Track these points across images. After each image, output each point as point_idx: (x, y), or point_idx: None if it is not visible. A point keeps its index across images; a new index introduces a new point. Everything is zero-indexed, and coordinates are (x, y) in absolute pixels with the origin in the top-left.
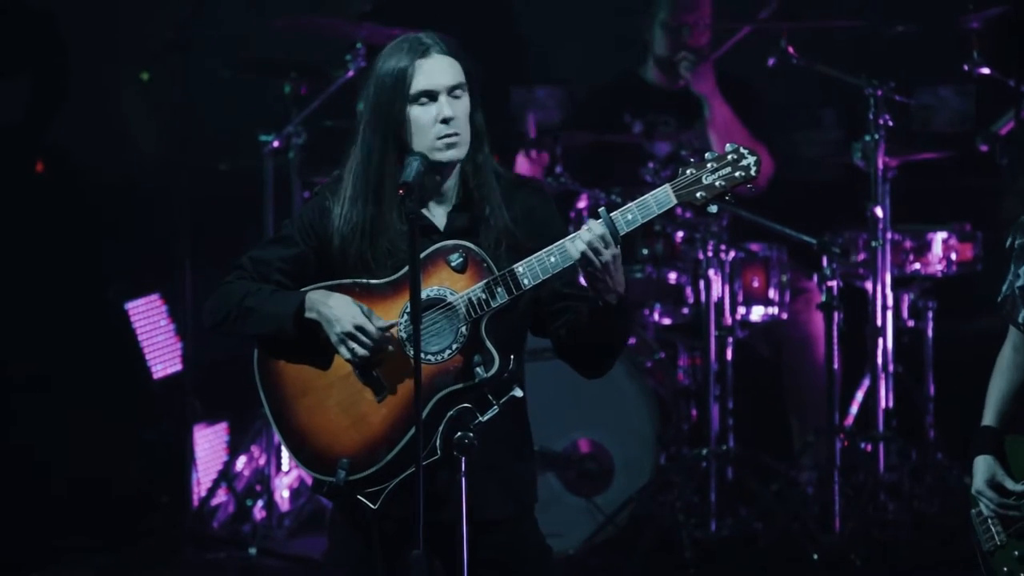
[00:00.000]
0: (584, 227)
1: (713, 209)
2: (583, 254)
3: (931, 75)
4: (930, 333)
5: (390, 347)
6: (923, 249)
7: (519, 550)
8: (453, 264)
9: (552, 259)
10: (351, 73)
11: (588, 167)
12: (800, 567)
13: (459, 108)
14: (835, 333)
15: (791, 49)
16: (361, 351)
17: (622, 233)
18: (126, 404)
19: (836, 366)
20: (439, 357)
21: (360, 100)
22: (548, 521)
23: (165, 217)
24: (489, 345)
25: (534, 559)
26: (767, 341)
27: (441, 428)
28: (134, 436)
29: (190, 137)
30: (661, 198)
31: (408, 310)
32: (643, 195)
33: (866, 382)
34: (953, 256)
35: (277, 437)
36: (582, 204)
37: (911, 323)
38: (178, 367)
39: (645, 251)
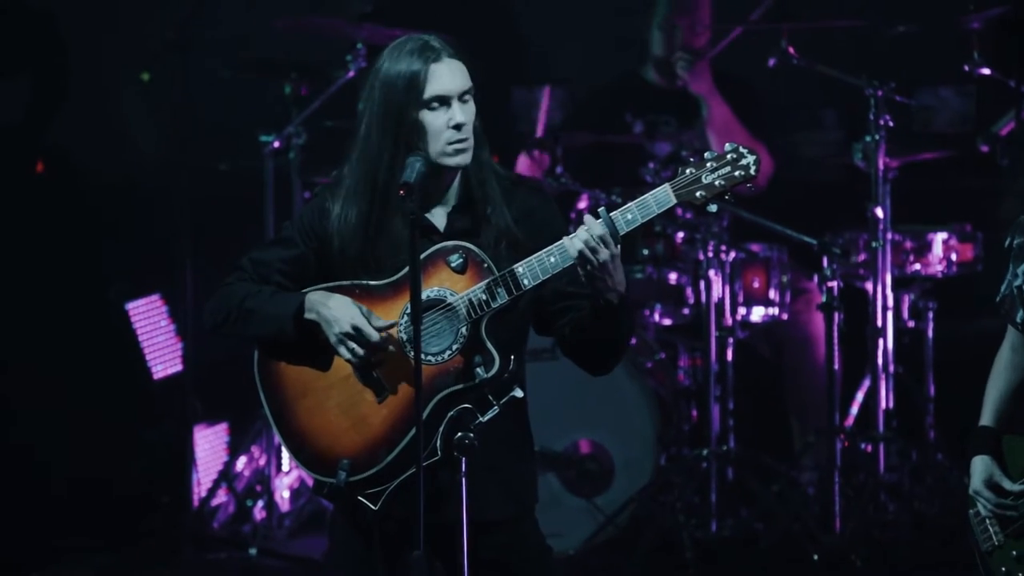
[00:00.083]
0: (583, 227)
1: (713, 209)
2: (581, 253)
3: (932, 75)
4: (930, 334)
5: (390, 347)
6: (923, 250)
7: (520, 550)
8: (453, 265)
9: (552, 259)
10: (352, 73)
11: (588, 167)
12: (801, 567)
13: (469, 113)
14: (835, 334)
15: (792, 49)
16: (360, 351)
17: (622, 233)
18: (127, 404)
19: (836, 367)
20: (439, 358)
21: (361, 101)
22: (548, 521)
23: (165, 217)
24: (489, 346)
25: (535, 559)
26: (768, 342)
27: (441, 429)
28: (134, 436)
29: (190, 137)
30: (661, 198)
31: (408, 311)
32: (643, 195)
33: (866, 383)
34: (953, 257)
35: (277, 438)
36: (583, 204)
37: (911, 324)
38: (178, 367)
39: (646, 251)
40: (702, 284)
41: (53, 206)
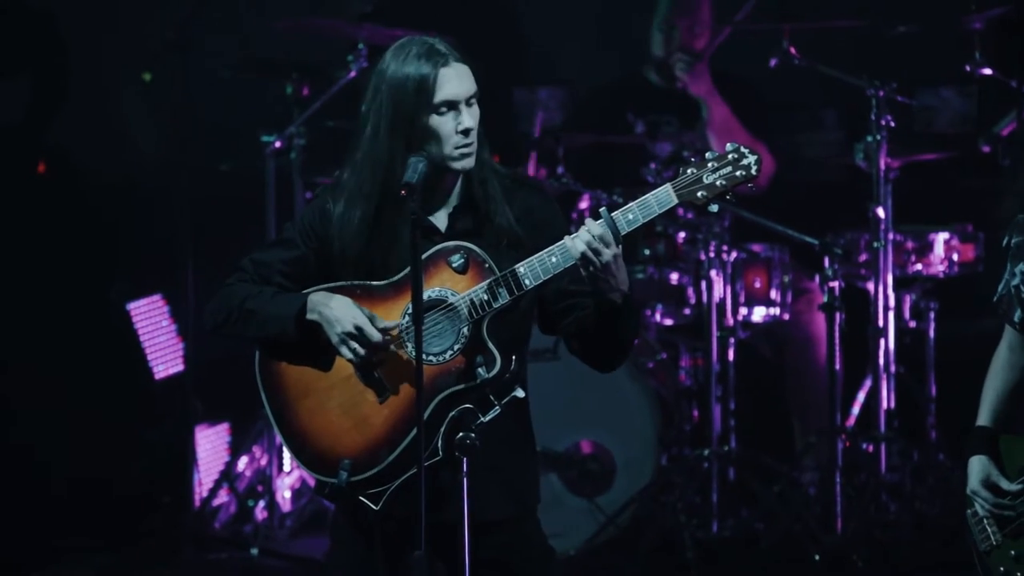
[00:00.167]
0: (584, 227)
1: (714, 209)
2: (583, 254)
3: (933, 76)
4: (932, 334)
5: (391, 348)
6: (925, 250)
7: (521, 551)
8: (454, 265)
9: (554, 259)
10: (353, 74)
11: (590, 167)
12: (802, 568)
13: (476, 117)
14: (837, 334)
15: (793, 50)
16: (362, 351)
17: (623, 233)
18: (128, 404)
19: (838, 367)
20: (441, 358)
21: (365, 102)
22: (550, 521)
23: (166, 218)
24: (491, 346)
25: (536, 559)
26: (769, 342)
27: (443, 429)
28: (136, 436)
29: (191, 138)
30: (662, 197)
31: (410, 311)
32: (644, 195)
33: (868, 383)
34: (955, 257)
35: (279, 438)
36: (584, 205)
37: (913, 324)
38: (180, 367)
39: (647, 252)
40: (703, 284)
41: (54, 206)
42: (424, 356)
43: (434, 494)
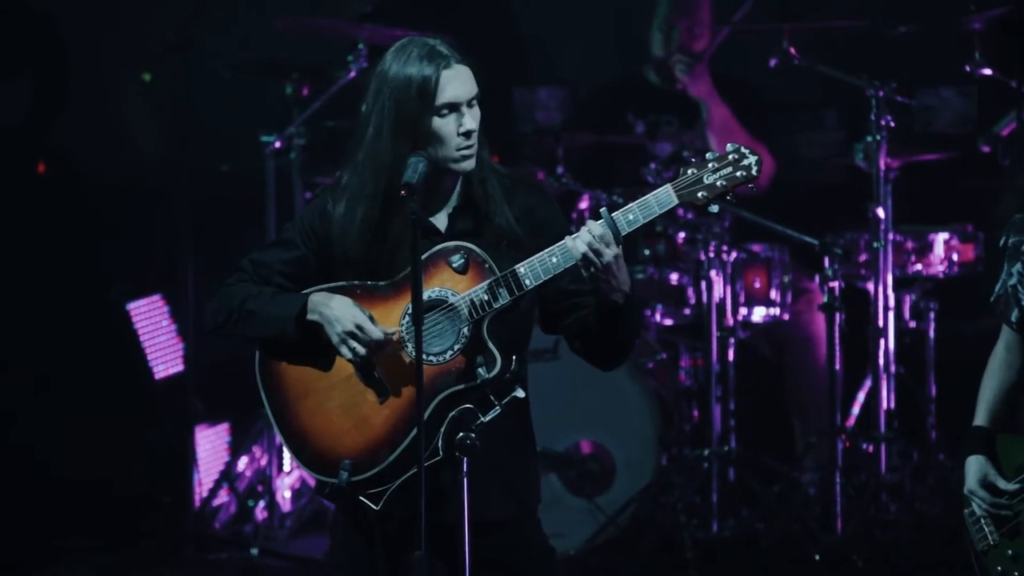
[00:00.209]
0: (585, 227)
1: (714, 209)
2: (584, 254)
3: (933, 76)
4: (932, 334)
5: (391, 348)
6: (925, 250)
7: (522, 551)
8: (455, 265)
9: (554, 259)
10: (353, 74)
11: (590, 167)
12: (802, 568)
13: (477, 119)
14: (837, 334)
15: (793, 50)
16: (362, 351)
17: (623, 233)
18: (128, 404)
19: (838, 367)
20: (441, 358)
21: (366, 102)
22: (550, 522)
23: (166, 218)
24: (491, 346)
25: (537, 560)
26: (769, 342)
27: (443, 429)
28: (136, 436)
29: (191, 138)
30: (663, 198)
31: (410, 311)
32: (644, 195)
33: (868, 383)
34: (955, 257)
35: (279, 438)
36: (584, 205)
37: (913, 324)
38: (180, 367)
39: (647, 252)
40: (703, 284)
41: (54, 206)
42: (424, 356)
43: (434, 494)
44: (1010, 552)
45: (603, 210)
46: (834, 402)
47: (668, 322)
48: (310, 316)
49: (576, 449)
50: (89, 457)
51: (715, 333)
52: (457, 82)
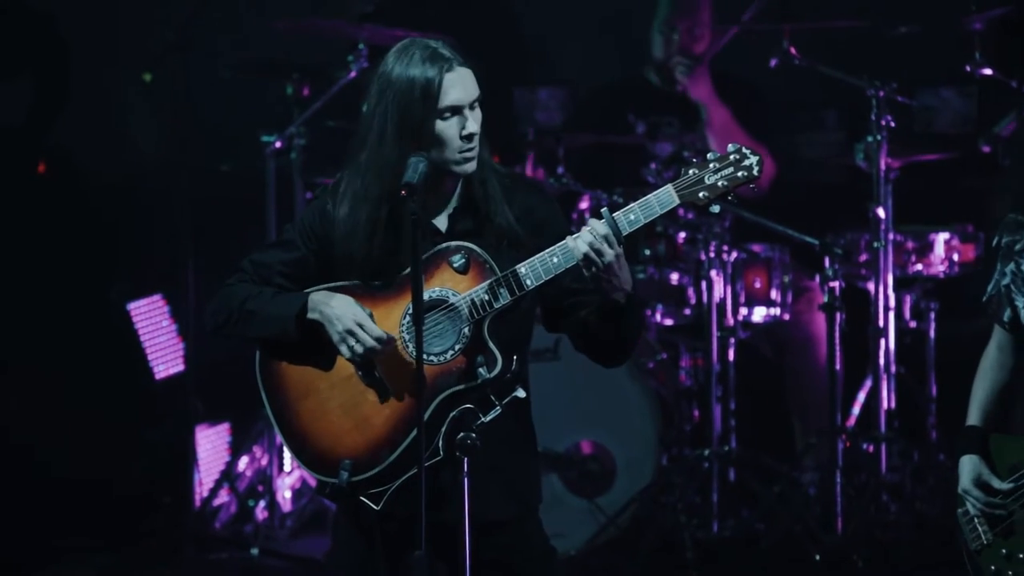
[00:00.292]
0: (586, 227)
1: (715, 209)
2: (585, 255)
3: (933, 76)
4: (932, 334)
5: (392, 346)
6: (925, 250)
7: (523, 551)
8: (455, 265)
9: (555, 260)
10: (353, 74)
11: (590, 168)
12: (802, 568)
13: (479, 122)
14: (837, 334)
15: (793, 50)
16: (362, 350)
17: (625, 233)
18: (128, 404)
19: (838, 367)
20: (442, 358)
21: (367, 103)
22: (550, 522)
23: (167, 218)
24: (492, 346)
25: (538, 560)
26: (769, 342)
27: (444, 429)
28: (136, 436)
29: (191, 138)
30: (664, 198)
31: (411, 311)
32: (645, 195)
33: (868, 383)
34: (955, 257)
35: (279, 438)
36: (584, 205)
37: (913, 324)
38: (180, 367)
39: (647, 252)
40: (704, 284)
41: (55, 207)
42: (425, 356)
43: (435, 494)
44: (1004, 551)
45: (604, 210)
46: (834, 402)
47: (668, 322)
48: (310, 315)
49: (577, 449)
50: (89, 457)
51: (715, 333)
52: (460, 85)
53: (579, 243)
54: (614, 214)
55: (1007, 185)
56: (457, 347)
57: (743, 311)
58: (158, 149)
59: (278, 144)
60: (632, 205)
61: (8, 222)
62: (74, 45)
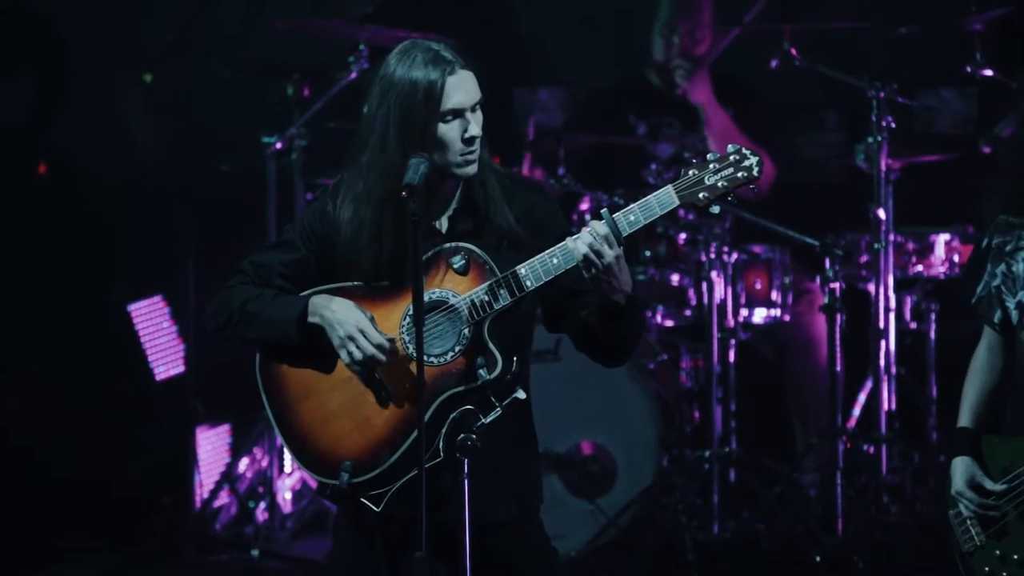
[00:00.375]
0: (586, 228)
1: (715, 210)
2: (585, 256)
3: (933, 77)
4: (932, 335)
5: (392, 350)
6: (926, 251)
7: (524, 551)
8: (455, 266)
9: (555, 260)
10: (354, 75)
11: (591, 169)
12: (802, 569)
13: (480, 124)
14: (838, 335)
15: (793, 51)
16: (361, 356)
17: (625, 234)
18: (129, 405)
19: (839, 368)
20: (442, 359)
21: (368, 104)
22: (551, 523)
23: (167, 219)
24: (492, 347)
25: (539, 560)
26: (770, 343)
27: (444, 430)
28: (136, 437)
29: (191, 138)
30: (664, 199)
31: (411, 312)
32: (645, 196)
33: (868, 384)
34: (956, 258)
35: (280, 439)
36: (584, 206)
37: (913, 325)
38: (181, 369)
39: (648, 253)
40: (704, 285)
41: (55, 207)
42: (425, 357)
43: (435, 495)
44: (998, 552)
45: (604, 211)
46: (835, 403)
47: (669, 323)
48: (311, 319)
49: (577, 450)
50: (89, 457)
51: (716, 334)
52: (462, 88)
53: (579, 244)
54: (614, 215)
55: (996, 186)
56: (457, 348)
57: (743, 312)
58: (158, 149)
59: (278, 145)
60: (632, 206)
61: (8, 222)
62: (74, 45)
